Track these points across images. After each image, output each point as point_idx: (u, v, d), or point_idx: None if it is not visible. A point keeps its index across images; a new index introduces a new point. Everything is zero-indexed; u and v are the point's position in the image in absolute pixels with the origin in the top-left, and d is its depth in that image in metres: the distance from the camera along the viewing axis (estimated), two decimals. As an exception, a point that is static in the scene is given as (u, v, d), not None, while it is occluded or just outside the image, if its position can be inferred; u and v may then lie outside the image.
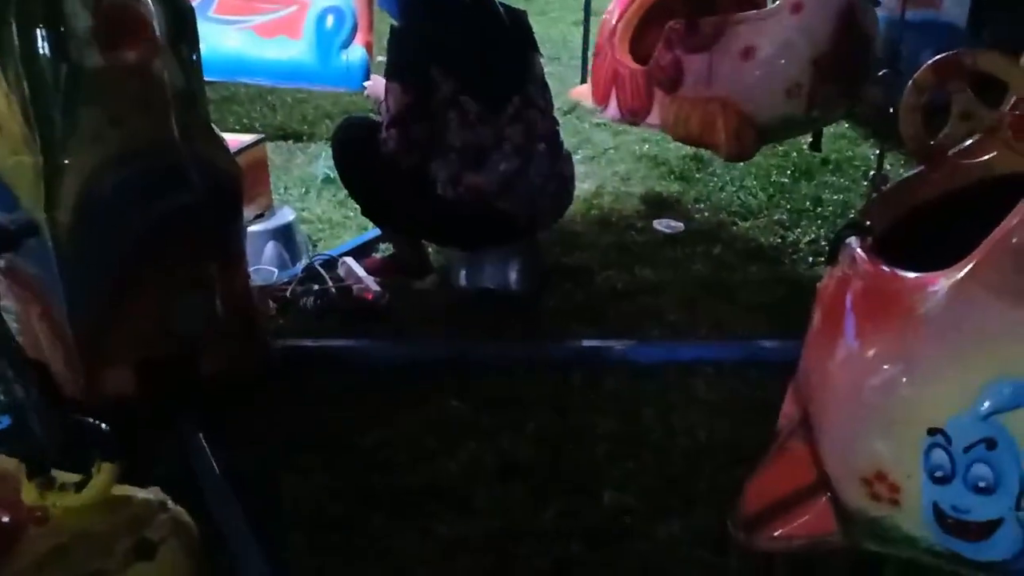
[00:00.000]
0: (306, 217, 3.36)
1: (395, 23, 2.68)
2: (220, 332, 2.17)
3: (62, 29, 1.79)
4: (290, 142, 4.16)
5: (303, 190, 3.63)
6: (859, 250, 1.59)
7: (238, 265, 2.27)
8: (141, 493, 0.59)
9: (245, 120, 4.33)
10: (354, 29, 4.14)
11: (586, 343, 2.55)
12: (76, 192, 1.85)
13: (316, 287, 2.79)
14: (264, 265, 2.90)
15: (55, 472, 0.60)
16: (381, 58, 3.95)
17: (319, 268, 2.86)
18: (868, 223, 1.69)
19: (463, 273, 2.83)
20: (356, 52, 4.15)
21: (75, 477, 0.59)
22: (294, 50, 4.18)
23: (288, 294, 2.77)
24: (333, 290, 2.77)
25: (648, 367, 2.44)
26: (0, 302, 2.06)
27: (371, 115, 2.95)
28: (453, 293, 2.84)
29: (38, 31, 1.77)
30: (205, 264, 2.13)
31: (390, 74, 2.56)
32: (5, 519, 0.54)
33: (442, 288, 2.90)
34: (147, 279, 2.02)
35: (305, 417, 2.23)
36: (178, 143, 1.98)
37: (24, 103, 1.80)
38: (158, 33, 1.90)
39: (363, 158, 2.65)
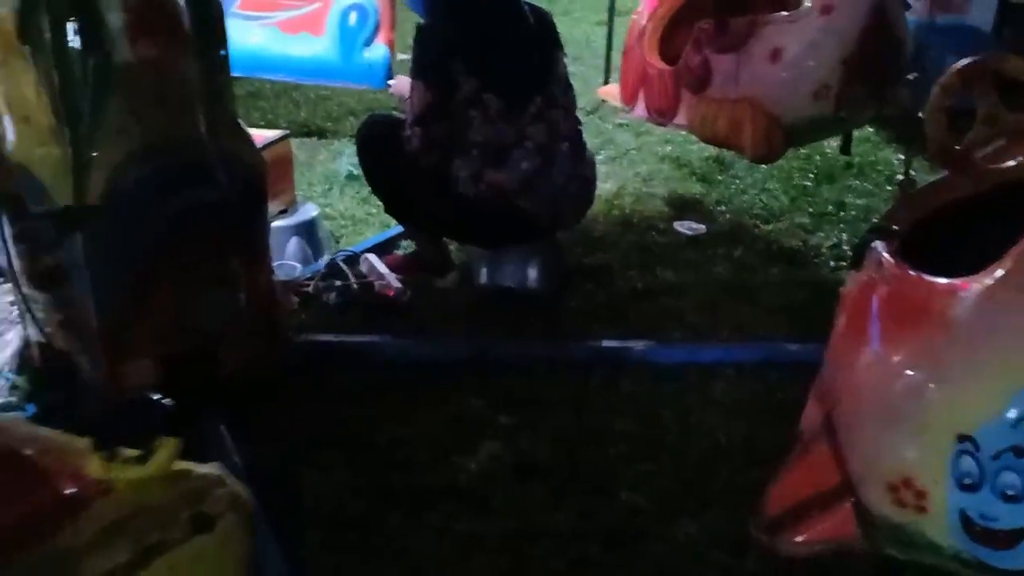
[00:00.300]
0: (329, 213, 3.37)
1: (420, 21, 2.68)
2: (243, 327, 2.18)
3: (93, 22, 1.80)
4: (314, 139, 4.17)
5: (326, 186, 3.64)
6: (886, 254, 1.58)
7: (262, 261, 2.27)
8: (200, 468, 0.60)
9: (270, 116, 4.34)
10: (377, 27, 4.15)
11: (606, 344, 2.54)
12: (103, 185, 1.86)
13: (338, 283, 2.79)
14: (287, 261, 2.91)
15: (119, 447, 0.61)
16: (403, 56, 3.98)
17: (341, 264, 2.87)
18: (894, 227, 1.67)
19: (484, 271, 2.83)
20: (379, 50, 4.15)
21: (137, 452, 0.60)
22: (317, 47, 4.19)
23: (311, 290, 2.77)
24: (355, 286, 2.78)
25: (668, 368, 2.43)
26: (27, 292, 2.07)
27: (394, 112, 2.95)
28: (474, 291, 2.84)
29: (69, 24, 1.79)
30: (229, 259, 2.13)
31: (414, 72, 2.57)
32: (71, 490, 0.55)
33: (463, 286, 2.90)
34: (170, 273, 2.02)
35: (326, 414, 2.24)
36: (204, 138, 1.99)
37: (53, 95, 1.82)
38: (186, 28, 1.91)
39: (386, 155, 2.66)
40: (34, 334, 2.12)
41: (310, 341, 2.53)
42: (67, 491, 0.56)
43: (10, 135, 1.89)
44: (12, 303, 2.29)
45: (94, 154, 1.84)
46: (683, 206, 3.58)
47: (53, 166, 1.85)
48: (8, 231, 2.01)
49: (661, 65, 3.51)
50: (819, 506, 1.60)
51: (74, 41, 1.80)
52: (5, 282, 2.30)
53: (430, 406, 2.27)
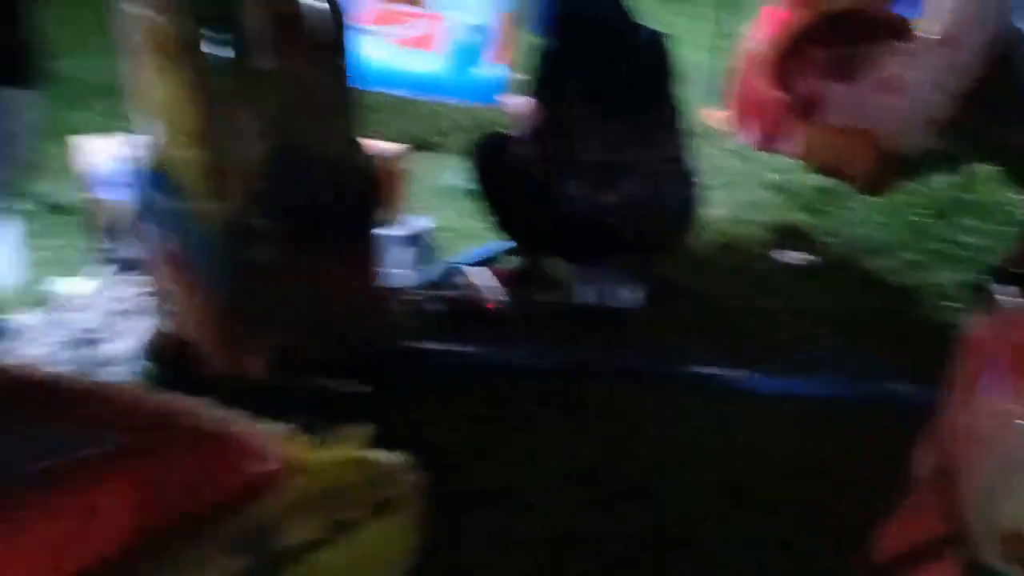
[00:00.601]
0: (435, 225, 3.46)
1: (538, 42, 2.75)
2: (348, 327, 2.27)
3: (236, 33, 1.92)
4: (424, 152, 4.27)
5: (434, 199, 3.73)
6: (1011, 299, 1.55)
7: (371, 266, 2.37)
8: (387, 456, 0.65)
9: (384, 128, 4.47)
10: (493, 45, 4.23)
11: (698, 368, 2.54)
12: (236, 187, 1.97)
13: (441, 293, 2.86)
14: (394, 268, 3.00)
15: (312, 430, 0.67)
16: (518, 75, 4.05)
17: (445, 275, 2.95)
18: (1019, 271, 1.64)
19: (582, 288, 2.87)
20: (493, 68, 4.24)
21: (331, 436, 0.65)
22: (433, 63, 4.31)
23: (414, 298, 2.85)
24: (457, 297, 2.85)
25: (761, 398, 2.42)
26: (159, 282, 2.21)
27: (507, 130, 3.02)
28: (572, 307, 2.87)
29: (216, 31, 1.91)
30: (341, 261, 2.23)
31: (529, 91, 2.64)
32: (268, 467, 0.61)
33: (562, 301, 2.94)
34: (288, 271, 2.13)
35: (385, 414, 2.29)
36: (330, 146, 2.09)
37: (198, 100, 1.94)
38: (319, 40, 2.02)
39: (498, 171, 2.74)
40: (163, 323, 2.25)
41: (409, 347, 2.61)
42: (265, 468, 0.62)
43: (158, 135, 2.02)
44: (142, 293, 2.43)
45: (230, 156, 1.96)
46: (786, 235, 3.54)
47: (193, 167, 1.97)
48: (149, 224, 2.14)
49: (772, 91, 3.49)
50: (928, 555, 1.56)
51: (218, 50, 1.92)
52: (136, 272, 2.44)
53: (495, 411, 2.32)
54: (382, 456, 0.68)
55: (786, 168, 4.03)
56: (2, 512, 0.57)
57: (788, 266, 3.23)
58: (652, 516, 1.97)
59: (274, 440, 0.66)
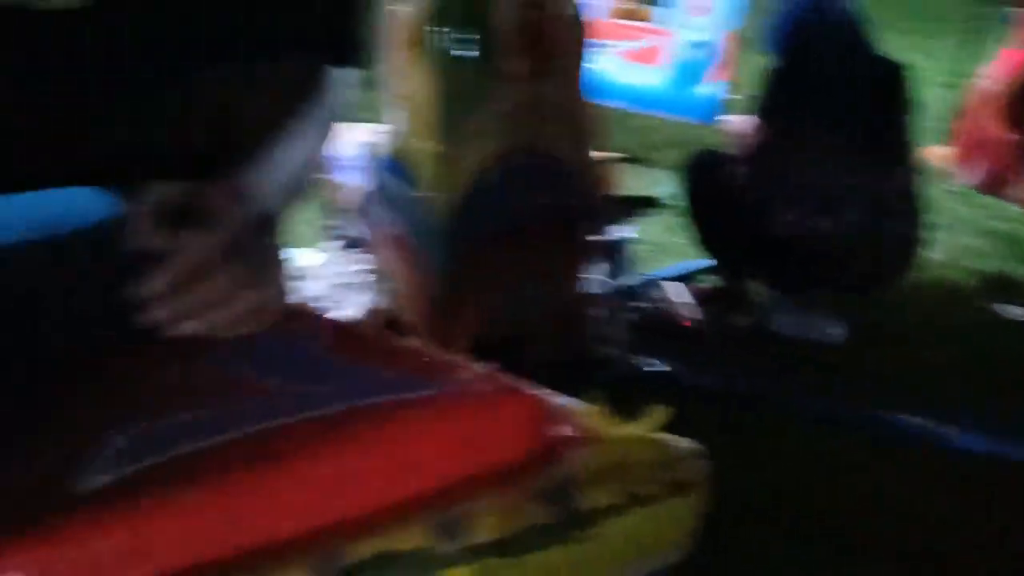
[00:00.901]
0: (637, 237, 3.50)
1: (767, 61, 2.74)
2: (550, 328, 2.36)
3: (482, 34, 2.05)
4: (634, 165, 4.33)
5: (637, 211, 3.77)
6: None
7: (578, 271, 2.45)
8: (683, 441, 0.71)
9: (601, 139, 4.56)
10: (715, 63, 4.23)
11: (891, 416, 2.45)
12: (466, 180, 2.11)
13: (637, 305, 2.90)
14: (593, 276, 3.06)
15: (611, 408, 0.73)
16: (737, 95, 4.03)
17: (642, 287, 2.98)
18: None
19: (783, 317, 2.83)
20: (714, 86, 4.24)
21: (628, 415, 0.72)
22: (655, 78, 4.35)
23: (610, 307, 2.91)
24: (652, 311, 2.88)
25: (955, 452, 2.32)
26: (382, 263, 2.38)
27: (721, 148, 3.03)
28: (768, 334, 2.84)
29: (464, 31, 2.05)
30: (553, 263, 2.32)
31: (754, 110, 2.64)
32: (566, 432, 0.68)
33: (758, 327, 2.91)
34: (503, 266, 2.25)
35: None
36: (559, 150, 2.19)
37: (439, 94, 2.09)
38: (561, 49, 2.12)
39: (708, 188, 2.75)
40: (380, 301, 2.43)
41: (600, 357, 2.66)
42: (563, 433, 0.70)
43: (401, 126, 2.19)
44: (364, 270, 2.62)
45: (464, 151, 2.10)
46: (1009, 287, 3.34)
47: (428, 158, 2.12)
48: (379, 207, 2.32)
49: (1004, 133, 3.32)
50: None
51: (465, 49, 2.05)
52: (361, 250, 2.63)
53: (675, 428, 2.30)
54: (675, 440, 0.72)
55: (1011, 216, 3.81)
56: (354, 428, 0.67)
57: (1008, 321, 3.06)
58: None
59: (572, 410, 0.73)
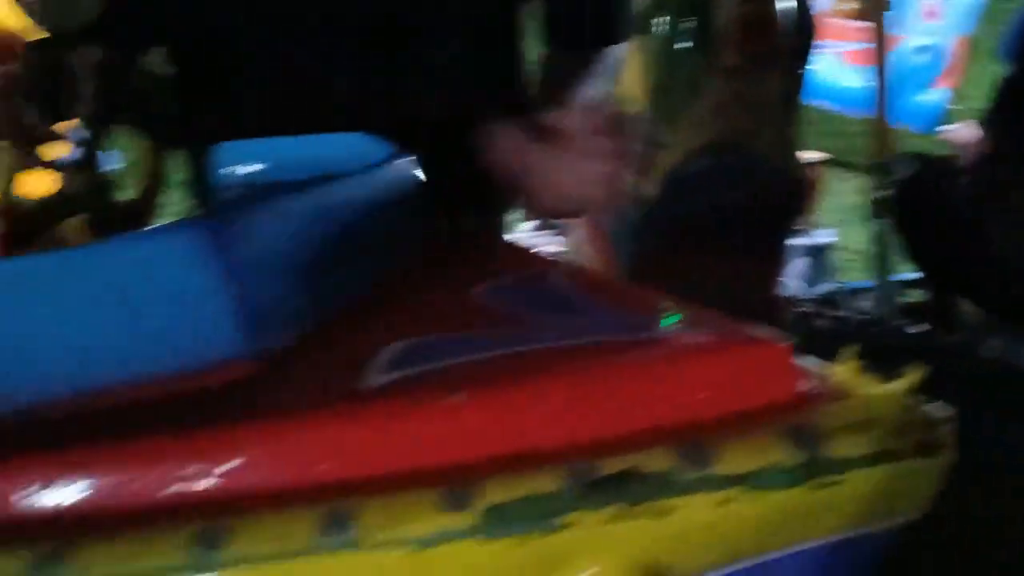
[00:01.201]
0: (838, 243, 3.39)
1: (1004, 70, 2.58)
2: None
3: (701, 25, 2.04)
4: (839, 168, 4.18)
5: (840, 216, 3.65)
6: None
7: (775, 270, 2.40)
8: (932, 406, 0.72)
9: (807, 139, 4.43)
10: (941, 70, 4.02)
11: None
12: (667, 169, 2.11)
13: (834, 313, 2.81)
14: (791, 278, 2.99)
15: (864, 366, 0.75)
16: (961, 105, 3.82)
17: (842, 296, 2.89)
18: None
19: (994, 343, 2.65)
20: (936, 94, 4.03)
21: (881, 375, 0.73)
22: (873, 81, 4.17)
23: (806, 312, 2.83)
24: (850, 321, 2.78)
25: None
26: (574, 244, 2.42)
27: (938, 159, 2.87)
28: (975, 359, 2.68)
29: (684, 21, 2.05)
30: (750, 263, 2.28)
31: (984, 120, 2.49)
32: (814, 383, 0.71)
33: (965, 350, 2.75)
34: (697, 262, 2.22)
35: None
36: (766, 145, 2.15)
37: (649, 82, 2.10)
38: (784, 47, 2.08)
39: (923, 200, 2.61)
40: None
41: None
42: (810, 384, 0.73)
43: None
44: (560, 247, 2.67)
45: (667, 141, 2.10)
46: None
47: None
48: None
49: None
50: None
51: (682, 40, 2.05)
52: (557, 230, 2.68)
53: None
54: (925, 404, 0.72)
55: None
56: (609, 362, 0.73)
57: None
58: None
59: (822, 366, 0.76)
